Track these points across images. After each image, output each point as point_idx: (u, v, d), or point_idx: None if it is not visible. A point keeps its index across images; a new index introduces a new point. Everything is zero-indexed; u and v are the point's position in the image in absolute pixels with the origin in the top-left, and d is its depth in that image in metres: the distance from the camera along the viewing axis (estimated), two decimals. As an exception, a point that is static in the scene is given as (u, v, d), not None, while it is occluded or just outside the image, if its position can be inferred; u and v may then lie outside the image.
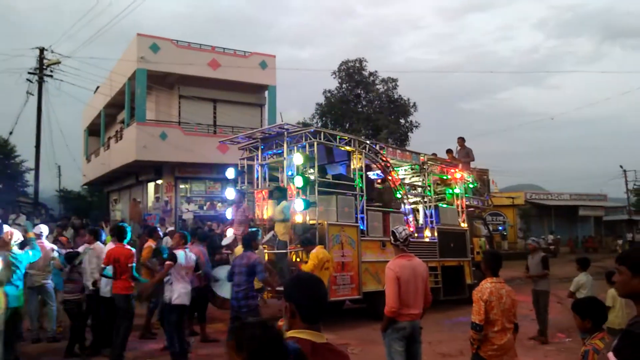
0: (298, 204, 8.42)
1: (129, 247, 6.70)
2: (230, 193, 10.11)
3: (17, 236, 5.99)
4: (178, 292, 6.40)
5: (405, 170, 11.76)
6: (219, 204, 18.78)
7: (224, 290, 7.72)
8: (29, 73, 17.97)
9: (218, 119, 20.03)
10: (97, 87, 23.16)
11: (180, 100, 19.54)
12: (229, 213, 9.96)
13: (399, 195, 10.50)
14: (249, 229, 8.36)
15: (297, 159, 8.70)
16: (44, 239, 7.72)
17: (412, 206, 11.11)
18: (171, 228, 13.45)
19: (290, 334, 2.09)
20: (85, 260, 7.19)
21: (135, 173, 20.73)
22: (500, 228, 25.81)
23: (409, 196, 10.86)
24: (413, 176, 11.74)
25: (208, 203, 19.69)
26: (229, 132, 17.48)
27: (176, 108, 19.48)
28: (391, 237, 4.79)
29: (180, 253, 6.52)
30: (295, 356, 1.67)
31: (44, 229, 8.01)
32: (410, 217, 10.64)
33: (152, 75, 18.09)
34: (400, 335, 4.56)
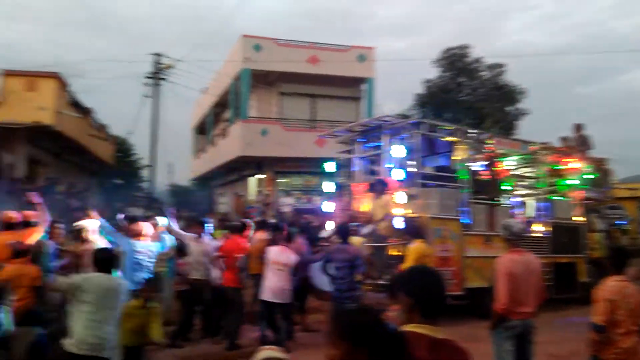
0: (398, 197, 8.30)
1: (242, 240, 7.02)
2: (328, 186, 10.23)
3: (148, 229, 6.61)
4: (266, 287, 6.57)
5: (514, 160, 11.12)
6: (317, 197, 19.11)
7: (323, 282, 7.84)
8: (146, 77, 19.54)
9: (316, 114, 20.41)
10: (205, 88, 24.65)
11: (281, 96, 20.20)
12: (327, 206, 10.09)
13: (506, 187, 9.98)
14: (349, 223, 8.42)
15: (397, 151, 8.57)
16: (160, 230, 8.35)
17: (521, 199, 10.51)
18: (272, 221, 13.91)
19: (407, 328, 2.04)
20: (194, 252, 7.63)
21: (238, 168, 21.74)
22: (620, 222, 23.50)
23: (517, 188, 10.29)
24: (522, 166, 11.08)
25: (306, 196, 20.12)
26: (326, 127, 17.69)
27: (277, 105, 20.17)
28: (503, 231, 4.57)
29: (273, 249, 6.67)
30: (396, 340, 1.63)
31: (161, 221, 8.66)
32: (519, 210, 10.07)
33: (255, 74, 18.88)
34: (510, 334, 4.38)
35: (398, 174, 8.35)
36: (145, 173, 25.39)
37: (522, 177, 10.88)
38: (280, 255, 6.67)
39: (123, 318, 4.62)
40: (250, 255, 7.56)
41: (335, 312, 1.66)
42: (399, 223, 8.10)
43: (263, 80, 19.46)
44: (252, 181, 21.29)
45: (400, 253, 8.27)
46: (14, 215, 6.27)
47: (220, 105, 23.60)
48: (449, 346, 2.03)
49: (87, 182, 19.16)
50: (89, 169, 20.35)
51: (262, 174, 20.19)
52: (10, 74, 13.75)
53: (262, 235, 8.26)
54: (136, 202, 18.00)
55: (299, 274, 7.64)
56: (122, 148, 26.64)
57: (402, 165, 8.68)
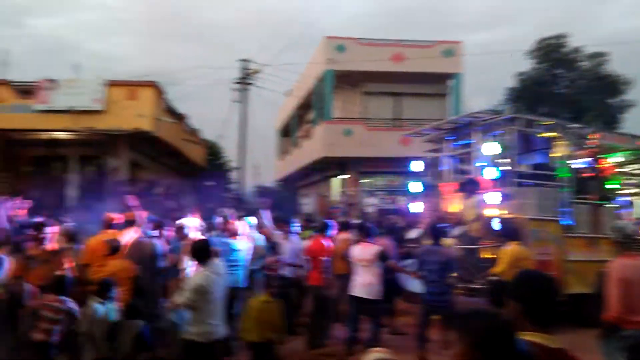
0: (491, 197, 7.93)
1: (325, 240, 7.09)
2: (415, 186, 10.02)
3: (243, 227, 6.88)
4: (355, 283, 6.55)
5: (621, 156, 10.22)
6: (401, 198, 18.84)
7: (412, 284, 7.68)
8: (235, 83, 20.34)
9: (400, 112, 20.14)
10: (288, 91, 25.18)
11: (364, 96, 20.17)
12: (414, 206, 9.88)
13: (612, 186, 9.21)
14: (438, 224, 8.18)
15: (490, 148, 8.20)
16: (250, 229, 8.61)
17: (630, 198, 9.66)
18: (355, 221, 13.86)
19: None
20: (284, 250, 7.79)
21: (322, 169, 21.95)
22: None
23: (625, 186, 9.47)
24: (631, 163, 10.17)
25: (390, 196, 19.89)
26: (411, 125, 17.38)
27: (360, 104, 20.15)
28: (615, 234, 4.21)
29: (355, 247, 6.69)
30: (524, 356, 1.52)
31: (252, 220, 8.93)
32: (627, 211, 9.25)
33: (338, 75, 19.02)
34: (624, 345, 4.01)
35: (491, 173, 7.99)
36: (234, 175, 26.45)
37: (630, 175, 10.00)
38: (363, 252, 6.65)
39: (250, 313, 4.80)
40: (335, 255, 7.59)
41: (465, 311, 1.60)
42: (492, 224, 7.75)
43: (346, 80, 19.51)
44: (336, 182, 21.41)
45: (493, 256, 7.91)
46: (115, 215, 6.77)
47: (304, 107, 24.00)
48: (565, 356, 1.87)
49: (181, 184, 20.29)
50: (183, 171, 21.54)
51: (345, 174, 20.23)
52: (113, 84, 14.88)
53: (345, 235, 8.26)
54: (226, 203, 18.77)
55: (388, 269, 7.52)
56: (213, 151, 27.91)
57: (495, 163, 8.30)
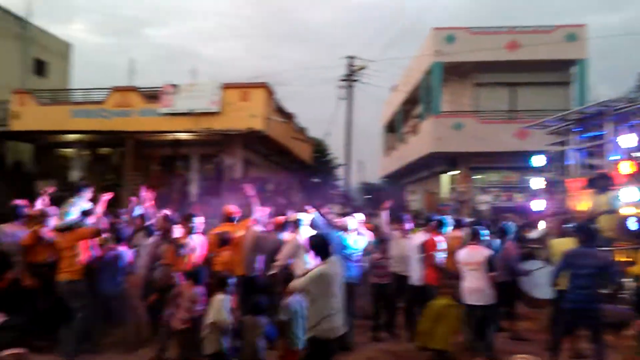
0: (627, 193, 7.17)
1: (436, 237, 6.89)
2: (537, 182, 9.39)
3: (352, 224, 6.91)
4: (464, 289, 6.25)
5: None
6: (518, 195, 17.75)
7: (535, 288, 7.19)
8: (340, 80, 20.48)
9: (515, 103, 19.00)
10: (394, 86, 24.84)
11: (475, 88, 19.32)
12: (536, 204, 9.25)
13: None
14: (566, 224, 7.55)
15: (626, 140, 7.41)
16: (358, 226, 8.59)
17: None
18: (467, 219, 13.28)
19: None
20: (396, 247, 7.66)
21: (429, 165, 21.41)
22: None
23: None
24: None
25: (505, 193, 18.85)
26: (528, 117, 16.27)
27: (470, 97, 19.33)
28: None
29: (462, 250, 6.40)
30: None
31: (359, 217, 8.90)
32: None
33: (447, 67, 18.43)
34: None
35: (627, 167, 7.23)
36: (340, 172, 26.75)
37: None
38: (470, 255, 6.32)
39: (430, 317, 4.67)
40: (448, 252, 7.33)
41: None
42: (628, 224, 7.00)
43: (455, 72, 18.79)
44: (445, 178, 20.76)
45: (629, 259, 7.16)
46: (233, 209, 7.10)
47: (410, 102, 23.57)
48: None
49: (290, 181, 20.92)
50: (291, 168, 22.18)
51: (455, 170, 19.54)
52: (227, 86, 15.70)
53: (457, 233, 7.95)
54: (333, 200, 19.01)
55: (506, 275, 7.10)
56: (319, 149, 28.43)
57: (631, 156, 7.49)
